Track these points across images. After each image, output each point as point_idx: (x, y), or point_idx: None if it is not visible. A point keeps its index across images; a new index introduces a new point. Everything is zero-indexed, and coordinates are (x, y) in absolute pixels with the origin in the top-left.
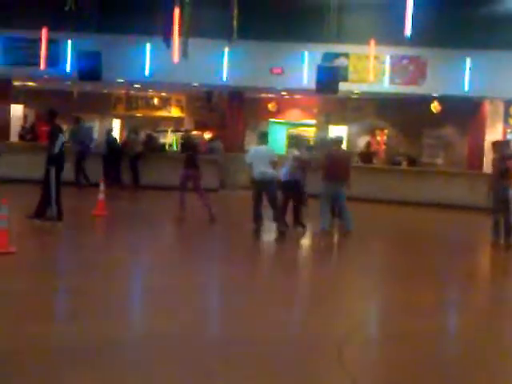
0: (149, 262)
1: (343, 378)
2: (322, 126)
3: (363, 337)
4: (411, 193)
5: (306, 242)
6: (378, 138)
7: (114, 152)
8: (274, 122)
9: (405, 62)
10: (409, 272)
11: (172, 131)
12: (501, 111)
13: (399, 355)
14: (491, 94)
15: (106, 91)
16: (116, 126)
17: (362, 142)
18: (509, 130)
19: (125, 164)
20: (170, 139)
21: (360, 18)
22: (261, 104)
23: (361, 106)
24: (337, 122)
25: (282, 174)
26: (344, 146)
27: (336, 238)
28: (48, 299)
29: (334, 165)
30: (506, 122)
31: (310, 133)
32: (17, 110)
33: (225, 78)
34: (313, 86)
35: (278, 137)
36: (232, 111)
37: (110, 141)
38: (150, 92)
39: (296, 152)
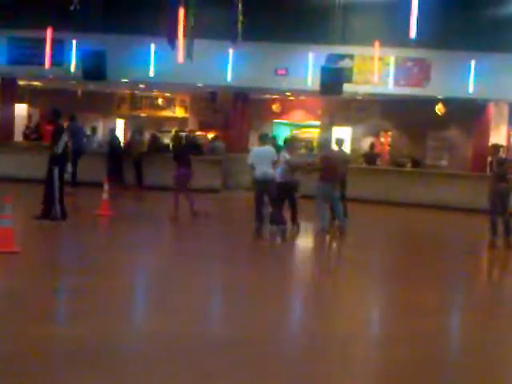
0: (151, 262)
1: (345, 379)
2: (326, 128)
3: (366, 337)
4: (415, 194)
5: (306, 241)
6: (382, 139)
7: (116, 152)
8: (278, 123)
9: (409, 63)
10: (411, 273)
11: (176, 131)
12: (505, 113)
13: (401, 356)
14: (495, 97)
15: (110, 91)
16: (120, 126)
17: (366, 143)
18: None
19: (129, 164)
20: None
21: (365, 19)
22: (265, 105)
23: (365, 108)
24: (341, 124)
25: (276, 175)
26: (344, 148)
27: (337, 238)
28: (51, 299)
29: (329, 166)
30: (510, 124)
31: (309, 134)
32: (21, 109)
33: (229, 79)
34: (317, 87)
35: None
36: (236, 112)
37: (113, 140)
38: (155, 92)
39: (287, 155)
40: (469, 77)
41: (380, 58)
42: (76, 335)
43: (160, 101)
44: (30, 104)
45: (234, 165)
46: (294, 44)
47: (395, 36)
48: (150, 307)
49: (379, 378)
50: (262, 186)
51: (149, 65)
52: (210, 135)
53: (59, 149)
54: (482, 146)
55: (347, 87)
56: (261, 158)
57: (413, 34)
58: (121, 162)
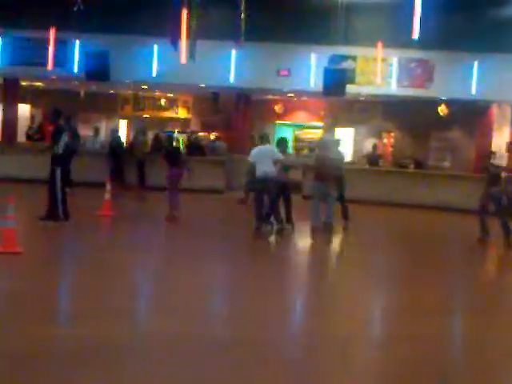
0: (153, 263)
1: (345, 379)
2: (329, 129)
3: (366, 337)
4: (417, 195)
5: (302, 240)
6: (385, 140)
7: (117, 152)
8: (281, 124)
9: (412, 64)
10: (411, 273)
11: (178, 132)
12: (508, 115)
13: (402, 356)
14: (498, 98)
15: (113, 92)
16: (123, 126)
17: (368, 144)
18: None
19: (132, 164)
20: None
21: (368, 20)
22: (267, 106)
23: (368, 109)
24: (344, 125)
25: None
26: (341, 149)
27: (339, 237)
28: (54, 299)
29: (324, 166)
30: None
31: (312, 135)
32: (24, 109)
33: (232, 80)
34: (320, 88)
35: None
36: (238, 113)
37: (114, 141)
38: (157, 93)
39: (281, 155)
40: (472, 78)
41: (383, 59)
42: (77, 335)
43: (162, 101)
44: (33, 104)
45: (238, 165)
46: (297, 45)
47: (398, 37)
48: (152, 307)
49: (379, 378)
50: (262, 185)
51: (151, 65)
52: (212, 136)
53: (59, 149)
54: (484, 148)
55: (350, 88)
56: (262, 157)
57: (416, 34)
58: (122, 162)
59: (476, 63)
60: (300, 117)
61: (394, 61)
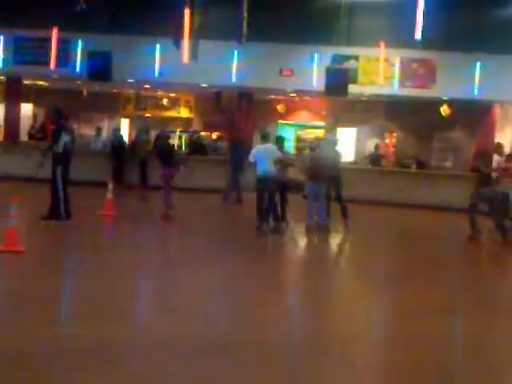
0: (155, 262)
1: (346, 379)
2: (331, 128)
3: (366, 337)
4: (419, 195)
5: (303, 240)
6: (387, 140)
7: (118, 151)
8: (283, 124)
9: (415, 65)
10: (412, 274)
11: (180, 131)
12: (510, 115)
13: (402, 357)
14: (501, 98)
15: (115, 91)
16: (125, 125)
17: (370, 144)
18: None
19: (134, 164)
20: (179, 140)
21: (370, 20)
22: (270, 105)
23: (370, 109)
24: (346, 125)
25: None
26: (338, 149)
27: (339, 237)
28: (55, 299)
29: (318, 166)
30: None
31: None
32: (26, 109)
33: (234, 79)
34: (322, 88)
35: (287, 138)
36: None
37: (115, 140)
38: (160, 92)
39: (281, 155)
40: (474, 78)
41: (385, 59)
42: (78, 335)
43: (165, 101)
44: (36, 104)
45: None
46: (299, 45)
47: (400, 37)
48: (152, 307)
49: (380, 378)
50: (263, 183)
51: (154, 65)
52: (215, 135)
53: (59, 148)
54: (486, 148)
55: (352, 88)
56: (263, 156)
57: (418, 35)
58: (123, 161)
59: (478, 63)
60: (302, 116)
61: (397, 61)
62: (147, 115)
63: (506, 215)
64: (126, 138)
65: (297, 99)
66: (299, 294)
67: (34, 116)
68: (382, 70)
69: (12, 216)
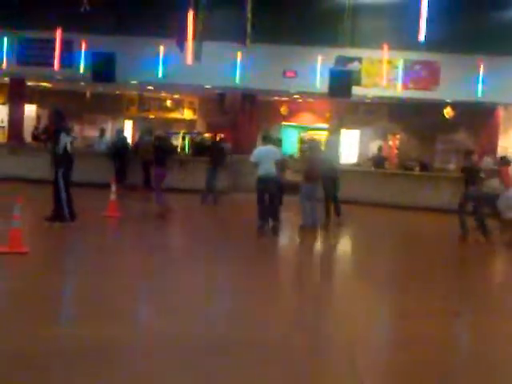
0: (158, 263)
1: (347, 380)
2: (335, 130)
3: (371, 340)
4: (423, 198)
5: (306, 240)
6: (391, 142)
7: (121, 153)
8: (287, 126)
9: (418, 67)
10: (412, 274)
11: (184, 133)
12: None
13: (403, 358)
14: (504, 100)
15: (119, 92)
16: (128, 127)
17: (374, 146)
18: None
19: (137, 165)
20: (182, 142)
21: (374, 22)
22: (273, 107)
23: (373, 111)
24: (349, 127)
25: None
26: (336, 150)
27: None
28: (57, 300)
29: (312, 168)
30: None
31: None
32: (30, 110)
33: (238, 81)
34: (326, 89)
35: (291, 140)
36: (244, 114)
37: (118, 142)
38: (163, 94)
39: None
40: (478, 80)
41: (389, 61)
42: (78, 335)
43: (168, 102)
44: (39, 105)
45: (243, 167)
46: (303, 46)
47: (404, 39)
48: (153, 308)
49: (380, 378)
50: (264, 184)
51: (157, 66)
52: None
53: (60, 150)
54: (490, 150)
55: (356, 90)
56: (264, 157)
57: (422, 37)
58: (126, 163)
59: (482, 65)
60: (306, 118)
61: (400, 63)
62: (151, 117)
63: (494, 215)
64: (129, 140)
65: (300, 101)
66: (299, 294)
67: (38, 117)
68: (385, 72)
69: (16, 217)
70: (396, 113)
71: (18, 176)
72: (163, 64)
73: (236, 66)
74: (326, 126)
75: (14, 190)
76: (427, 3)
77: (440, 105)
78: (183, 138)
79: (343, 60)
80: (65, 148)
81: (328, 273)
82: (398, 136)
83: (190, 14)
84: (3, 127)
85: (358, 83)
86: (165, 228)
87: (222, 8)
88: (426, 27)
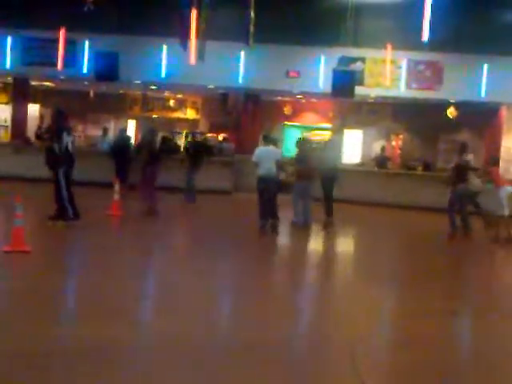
0: (159, 263)
1: (348, 380)
2: (337, 130)
3: (373, 340)
4: (426, 198)
5: (312, 240)
6: (394, 142)
7: (125, 152)
8: (290, 126)
9: (421, 66)
10: (416, 276)
11: (187, 133)
12: None
13: (404, 358)
14: (508, 100)
15: (122, 92)
16: (131, 126)
17: (377, 146)
18: None
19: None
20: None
21: (377, 22)
22: (276, 107)
23: (377, 111)
24: (352, 126)
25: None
26: (335, 150)
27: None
28: (58, 300)
29: (306, 165)
30: None
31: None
32: (34, 109)
33: (241, 81)
34: (329, 89)
35: (294, 140)
36: (247, 114)
37: (121, 141)
38: (166, 93)
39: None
40: (481, 80)
41: (392, 61)
42: (79, 335)
43: (171, 102)
44: (43, 104)
45: (246, 166)
46: (306, 46)
47: (407, 39)
48: (154, 307)
49: (381, 378)
50: (264, 183)
51: (160, 66)
52: (221, 137)
53: (62, 149)
54: (494, 150)
55: (359, 90)
56: (265, 157)
57: (425, 36)
58: (127, 162)
59: (485, 65)
60: (309, 118)
61: (403, 63)
62: (154, 116)
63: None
64: (132, 139)
65: (303, 101)
66: (299, 294)
67: (41, 117)
68: (388, 72)
69: (18, 216)
70: (399, 113)
71: (21, 175)
72: (166, 64)
73: (239, 66)
74: (329, 125)
75: (16, 189)
76: (431, 3)
77: (443, 105)
78: (186, 138)
79: (346, 60)
80: (66, 147)
81: (328, 273)
82: (400, 136)
83: (193, 14)
84: (7, 127)
85: (361, 83)
86: (167, 227)
87: (225, 7)
88: (429, 27)
